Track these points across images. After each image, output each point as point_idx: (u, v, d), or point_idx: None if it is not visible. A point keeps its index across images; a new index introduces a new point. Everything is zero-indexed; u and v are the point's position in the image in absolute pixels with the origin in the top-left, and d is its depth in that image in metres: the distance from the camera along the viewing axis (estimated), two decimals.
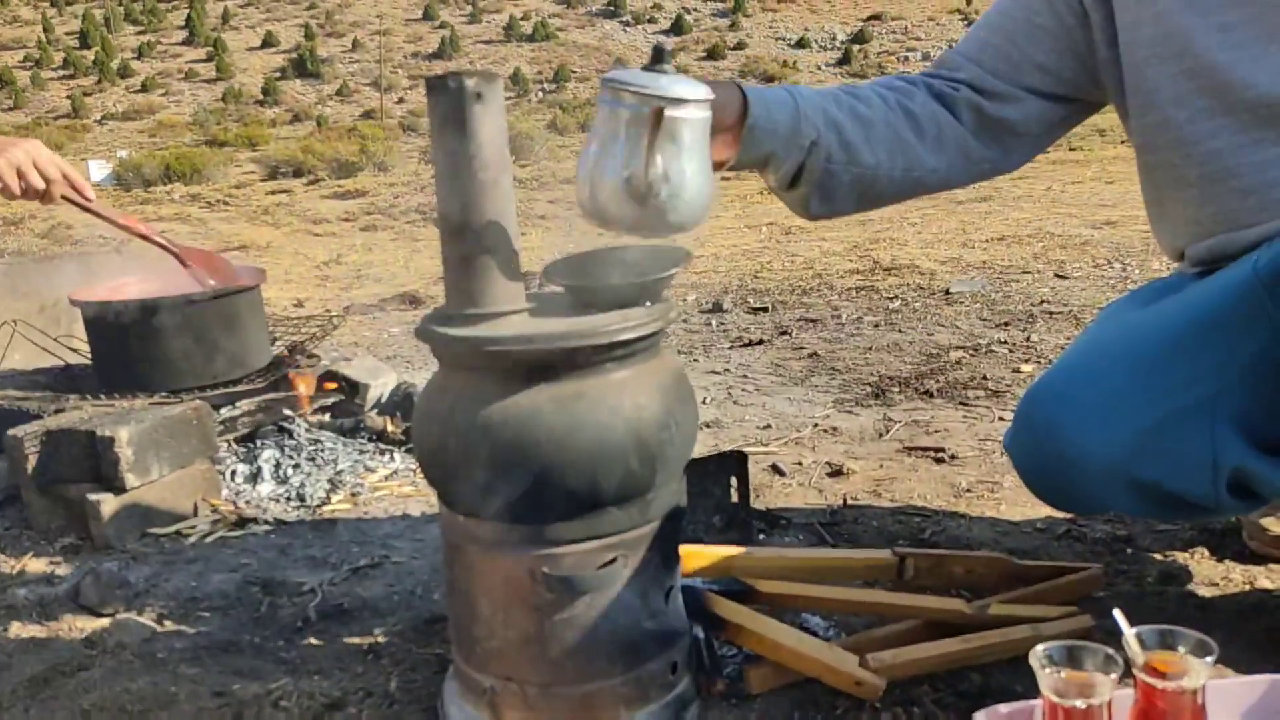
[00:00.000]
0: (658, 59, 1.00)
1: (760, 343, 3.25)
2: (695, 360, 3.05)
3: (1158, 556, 1.48)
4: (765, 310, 3.83)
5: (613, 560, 0.99)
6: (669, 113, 0.96)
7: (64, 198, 1.65)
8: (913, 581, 1.27)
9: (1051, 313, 3.38)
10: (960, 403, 2.38)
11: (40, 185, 1.60)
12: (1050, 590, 1.28)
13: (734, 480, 1.31)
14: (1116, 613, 0.91)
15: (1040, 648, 0.86)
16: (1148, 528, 1.57)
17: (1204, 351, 1.09)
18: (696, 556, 1.20)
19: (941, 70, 1.29)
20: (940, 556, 1.29)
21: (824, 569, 1.26)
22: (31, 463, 1.72)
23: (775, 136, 1.15)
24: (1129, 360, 1.13)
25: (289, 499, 1.89)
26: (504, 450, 0.96)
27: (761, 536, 1.53)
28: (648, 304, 1.04)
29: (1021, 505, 1.69)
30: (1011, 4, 1.28)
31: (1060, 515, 1.64)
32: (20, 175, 1.58)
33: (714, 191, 1.02)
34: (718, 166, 1.14)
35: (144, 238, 1.85)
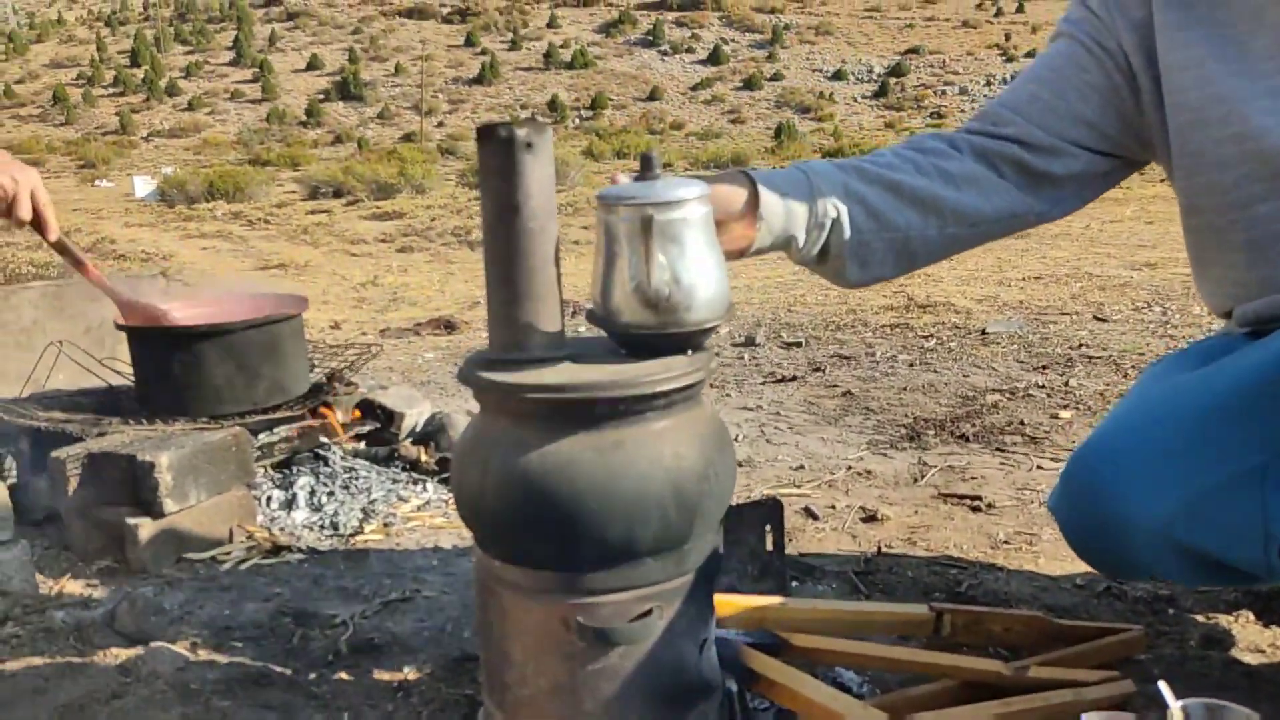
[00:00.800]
0: (646, 167, 1.02)
1: (793, 379, 3.24)
2: (728, 395, 3.04)
3: (1200, 619, 1.44)
4: (799, 345, 3.82)
5: (648, 612, 0.98)
6: (665, 216, 0.98)
7: (29, 224, 1.64)
8: (949, 638, 1.25)
9: (1090, 357, 3.34)
10: (997, 448, 2.35)
11: (26, 217, 1.61)
12: (1091, 652, 1.26)
13: (769, 528, 1.30)
14: (1162, 685, 0.89)
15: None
16: (1190, 589, 1.54)
17: (1255, 418, 1.07)
18: (730, 606, 1.19)
19: (987, 125, 1.27)
20: (978, 614, 1.27)
21: (859, 623, 1.24)
22: (72, 484, 1.75)
23: (792, 220, 1.14)
24: (1178, 425, 1.11)
25: (322, 527, 1.91)
26: (542, 498, 0.96)
27: (795, 584, 1.51)
28: (689, 353, 1.04)
29: (1060, 560, 1.66)
30: (1060, 59, 1.27)
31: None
32: (14, 202, 1.61)
33: (727, 281, 1.03)
34: (738, 255, 1.14)
35: (94, 282, 1.88)
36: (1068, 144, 1.24)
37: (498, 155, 0.98)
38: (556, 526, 0.96)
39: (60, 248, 1.76)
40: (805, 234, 1.16)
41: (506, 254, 1.00)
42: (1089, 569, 1.61)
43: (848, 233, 1.17)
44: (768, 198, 1.12)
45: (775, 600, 1.22)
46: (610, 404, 0.96)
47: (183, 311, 2.03)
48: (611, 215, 1.01)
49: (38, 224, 1.64)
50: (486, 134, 0.99)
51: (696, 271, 1.01)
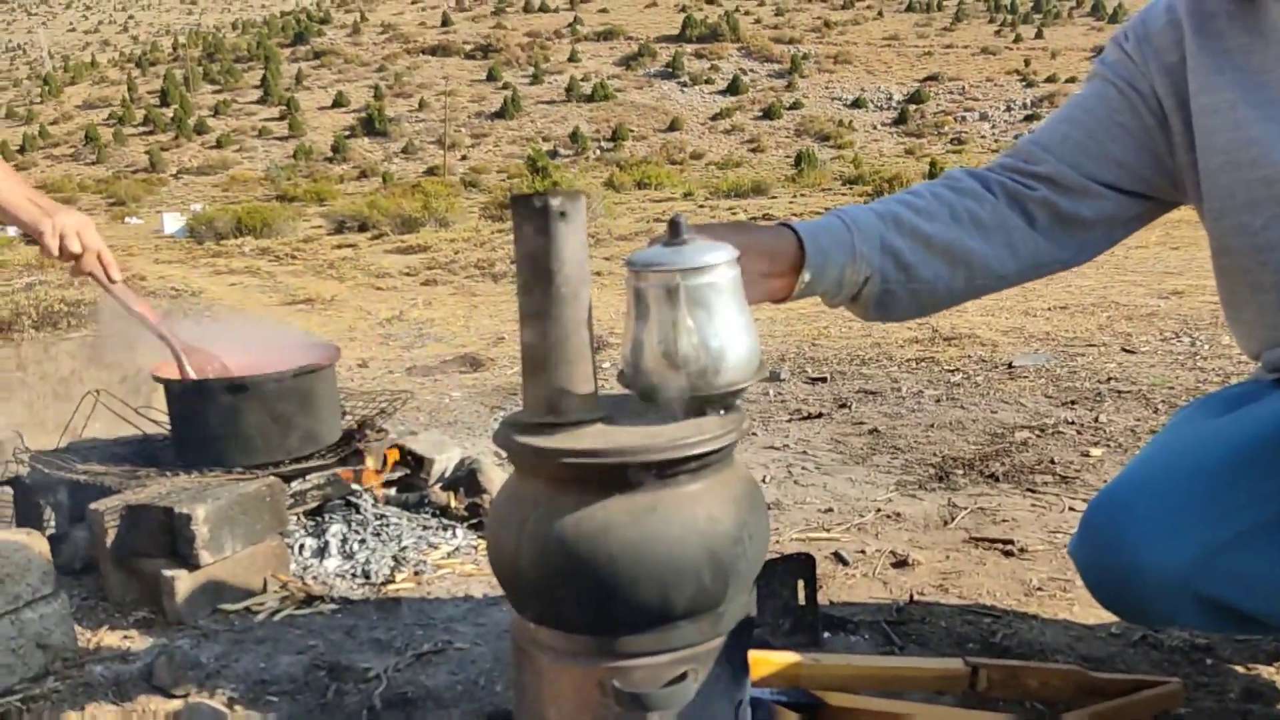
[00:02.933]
0: (674, 232, 1.03)
1: (819, 416, 3.23)
2: (754, 434, 3.04)
3: (1240, 669, 1.42)
4: (824, 380, 3.82)
5: (683, 675, 0.98)
6: (693, 282, 1.00)
7: (90, 272, 1.78)
8: (985, 693, 1.24)
9: (1120, 391, 3.31)
10: (1028, 489, 2.33)
11: (76, 250, 1.73)
12: (1128, 706, 1.24)
13: (801, 582, 1.30)
14: None
15: None
16: (1228, 637, 1.52)
17: (1275, 470, 1.07)
18: (764, 663, 1.18)
19: (1019, 161, 1.28)
20: (1014, 668, 1.26)
21: (894, 679, 1.24)
22: (110, 536, 1.78)
23: (831, 274, 1.16)
24: (1197, 474, 1.11)
25: (354, 575, 1.92)
26: (578, 562, 0.97)
27: (827, 636, 1.51)
28: (721, 413, 1.05)
29: (1094, 607, 1.63)
30: (1093, 100, 1.28)
31: None
32: (62, 238, 1.70)
33: (756, 342, 1.05)
34: (776, 303, 1.17)
35: (153, 330, 1.96)
36: (1099, 185, 1.24)
37: (532, 223, 1.00)
38: (592, 591, 0.97)
39: (120, 292, 1.85)
40: (840, 286, 1.18)
41: (540, 319, 1.02)
42: None
43: (878, 285, 1.19)
44: (813, 254, 1.15)
45: (809, 657, 1.22)
46: (644, 468, 0.97)
47: (233, 360, 2.05)
48: (641, 281, 1.03)
49: (99, 268, 1.73)
50: (521, 203, 1.01)
51: (725, 335, 1.02)
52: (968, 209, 1.23)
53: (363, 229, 20.13)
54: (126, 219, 30.25)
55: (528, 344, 1.04)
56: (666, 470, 0.98)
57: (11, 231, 22.58)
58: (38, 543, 1.58)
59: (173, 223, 24.86)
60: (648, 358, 1.04)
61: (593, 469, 0.97)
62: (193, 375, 1.98)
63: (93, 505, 1.80)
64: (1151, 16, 1.25)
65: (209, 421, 1.93)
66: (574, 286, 1.02)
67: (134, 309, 1.91)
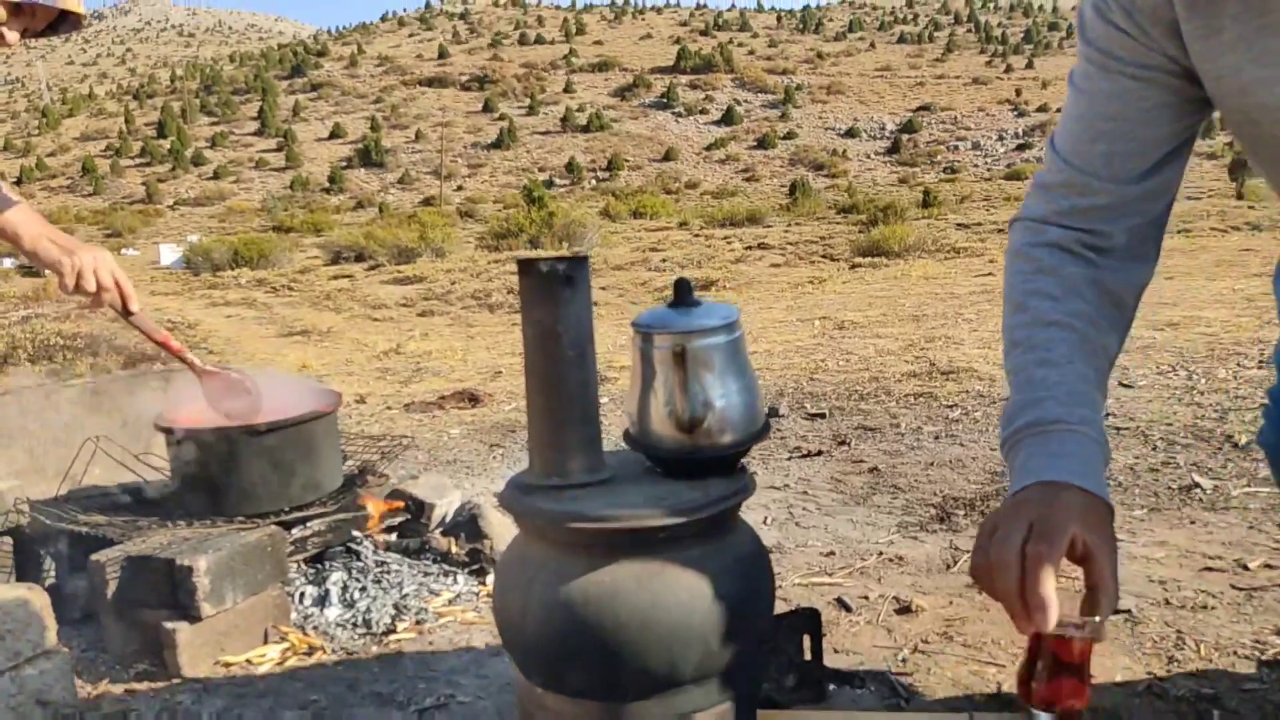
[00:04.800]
0: (680, 294, 1.05)
1: (819, 454, 3.23)
2: (754, 472, 3.04)
3: None
4: (822, 416, 3.82)
5: None
6: (698, 344, 1.02)
7: (110, 305, 1.81)
8: None
9: (1118, 428, 3.31)
10: None
11: (91, 289, 1.76)
12: None
13: (807, 638, 1.30)
14: None
15: None
16: (1233, 685, 1.51)
17: None
18: None
19: (1076, 200, 1.15)
20: None
21: None
22: (111, 587, 1.77)
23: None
24: None
25: (355, 624, 1.91)
26: (584, 627, 0.97)
27: (832, 689, 1.50)
28: (726, 473, 1.06)
29: (1100, 656, 1.64)
30: (1113, 101, 1.13)
31: (1139, 671, 1.59)
32: (79, 276, 1.75)
33: (760, 402, 1.06)
34: None
35: (175, 354, 1.97)
36: (1156, 163, 1.13)
37: (538, 288, 1.02)
38: (599, 656, 0.97)
39: (139, 321, 1.88)
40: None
41: (546, 382, 1.03)
42: (1128, 664, 1.59)
43: None
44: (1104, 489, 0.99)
45: (816, 712, 1.22)
46: (651, 533, 0.98)
47: (269, 403, 2.04)
48: (646, 344, 1.04)
49: (118, 301, 1.80)
50: (527, 268, 1.02)
51: (730, 395, 1.04)
52: (1103, 304, 1.12)
53: (359, 259, 20.18)
54: (123, 250, 30.29)
55: (534, 406, 1.05)
56: (674, 534, 0.98)
57: (8, 263, 22.59)
58: (39, 597, 1.57)
59: (169, 254, 24.90)
60: (654, 418, 1.05)
61: (600, 534, 0.97)
62: (217, 401, 2.00)
63: (94, 556, 1.79)
64: None
65: (210, 470, 1.93)
66: (580, 349, 1.03)
67: (155, 337, 1.94)
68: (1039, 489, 0.95)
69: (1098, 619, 0.89)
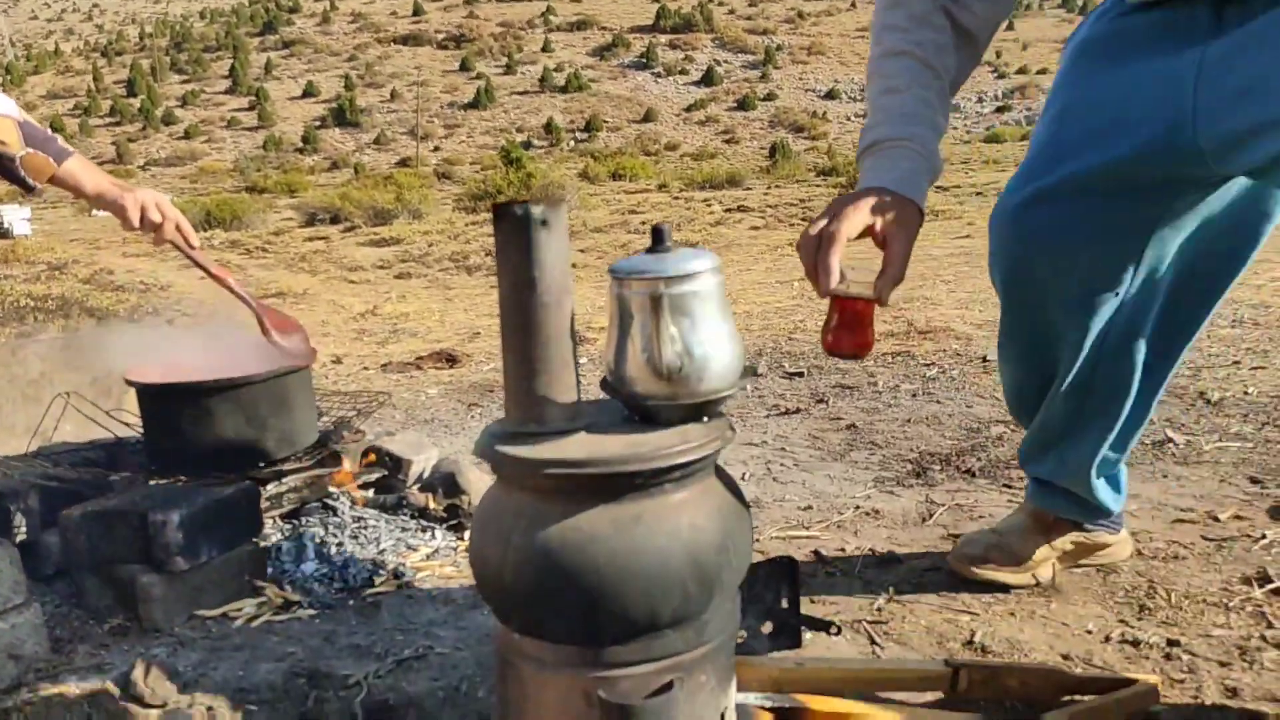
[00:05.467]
0: (658, 240, 1.04)
1: (797, 411, 3.24)
2: (732, 430, 3.04)
3: (1215, 666, 1.45)
4: (801, 375, 3.83)
5: (669, 685, 0.98)
6: (676, 290, 1.00)
7: (171, 241, 1.92)
8: (966, 694, 1.26)
9: None
10: (1004, 485, 2.35)
11: (157, 220, 1.89)
12: (1106, 705, 1.26)
13: (784, 586, 1.31)
14: None
15: None
16: (1202, 632, 1.54)
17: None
18: (747, 668, 1.19)
19: None
20: (994, 669, 1.28)
21: (876, 681, 1.24)
22: (83, 542, 1.75)
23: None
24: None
25: (332, 579, 1.90)
26: (562, 573, 0.96)
27: (809, 637, 1.51)
28: (705, 420, 1.05)
29: (1071, 604, 1.66)
30: None
31: (1111, 616, 1.61)
32: (143, 210, 1.87)
33: (740, 348, 1.05)
34: None
35: (232, 291, 2.04)
36: None
37: (513, 233, 1.00)
38: (577, 601, 0.97)
39: (200, 257, 1.98)
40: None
41: (522, 328, 1.01)
42: (1100, 613, 1.62)
43: None
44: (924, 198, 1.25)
45: (791, 661, 1.23)
46: (628, 478, 0.97)
47: (191, 364, 2.04)
48: (624, 289, 1.03)
49: (179, 237, 1.92)
50: (502, 212, 1.00)
51: (708, 343, 1.02)
52: (949, 47, 1.35)
53: (335, 221, 19.93)
54: (93, 212, 29.76)
55: (510, 353, 1.03)
56: (651, 480, 0.98)
57: None
58: (8, 552, 1.55)
59: None
60: (631, 366, 1.03)
61: (577, 479, 0.97)
62: (276, 337, 2.05)
63: (65, 511, 1.77)
64: None
65: (182, 425, 1.90)
66: (556, 295, 1.01)
67: (213, 272, 2.01)
68: (863, 193, 1.20)
69: (874, 282, 1.16)
